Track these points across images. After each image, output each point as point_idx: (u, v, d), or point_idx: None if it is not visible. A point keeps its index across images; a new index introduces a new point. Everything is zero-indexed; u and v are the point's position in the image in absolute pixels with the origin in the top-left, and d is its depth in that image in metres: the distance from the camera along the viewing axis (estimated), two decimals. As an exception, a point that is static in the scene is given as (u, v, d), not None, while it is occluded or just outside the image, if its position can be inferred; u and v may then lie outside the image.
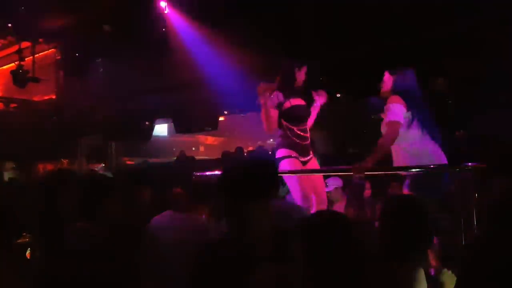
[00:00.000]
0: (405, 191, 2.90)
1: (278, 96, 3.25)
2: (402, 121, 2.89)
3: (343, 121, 8.28)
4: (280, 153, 3.27)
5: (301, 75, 3.38)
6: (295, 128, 3.28)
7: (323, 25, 6.25)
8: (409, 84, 3.03)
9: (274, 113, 3.25)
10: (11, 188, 4.61)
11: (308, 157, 3.36)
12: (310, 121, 3.56)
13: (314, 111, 3.58)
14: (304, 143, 3.32)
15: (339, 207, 3.89)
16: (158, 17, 7.94)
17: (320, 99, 3.53)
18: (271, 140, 13.01)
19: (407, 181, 2.92)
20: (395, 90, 3.01)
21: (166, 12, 7.84)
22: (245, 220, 1.47)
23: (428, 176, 2.86)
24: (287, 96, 3.28)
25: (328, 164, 5.93)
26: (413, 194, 2.76)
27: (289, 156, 3.21)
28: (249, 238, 1.48)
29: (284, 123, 3.31)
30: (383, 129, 3.03)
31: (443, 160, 2.94)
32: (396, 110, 2.89)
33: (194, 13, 7.38)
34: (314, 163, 3.43)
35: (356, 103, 7.68)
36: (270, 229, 1.55)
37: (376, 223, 3.04)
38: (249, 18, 6.65)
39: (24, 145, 7.58)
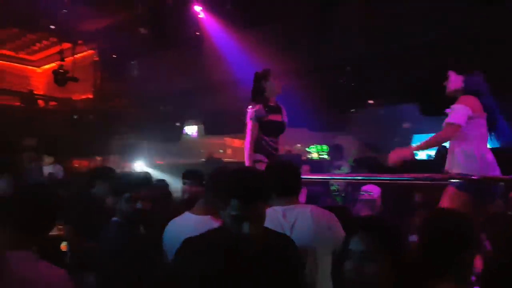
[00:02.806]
0: (461, 193, 2.76)
1: (260, 111, 3.39)
2: (463, 124, 2.76)
3: (374, 128, 8.16)
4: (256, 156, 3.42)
5: (272, 84, 3.48)
6: (267, 139, 3.45)
7: (357, 27, 6.19)
8: (480, 86, 2.94)
9: (256, 127, 3.36)
10: (50, 182, 4.82)
11: None
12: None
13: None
14: (272, 153, 3.48)
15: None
16: (192, 21, 8.11)
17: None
18: (299, 145, 12.97)
19: (461, 182, 2.79)
20: (467, 90, 2.91)
21: (200, 16, 8.00)
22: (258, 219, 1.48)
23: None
24: (267, 111, 3.41)
25: (357, 171, 5.87)
26: (467, 196, 2.68)
27: (261, 161, 3.35)
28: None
29: (259, 134, 3.47)
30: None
31: (496, 170, 2.80)
32: (460, 112, 2.78)
33: (228, 16, 7.49)
34: None
35: (388, 110, 7.56)
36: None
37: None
38: (282, 20, 6.68)
39: (62, 141, 7.89)
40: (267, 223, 1.55)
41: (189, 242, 1.57)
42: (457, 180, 2.79)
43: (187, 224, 2.09)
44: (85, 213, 2.85)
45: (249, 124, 3.40)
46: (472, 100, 2.85)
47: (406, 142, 8.90)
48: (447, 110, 2.90)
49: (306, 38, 6.53)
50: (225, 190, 1.50)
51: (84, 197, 3.09)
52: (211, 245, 1.50)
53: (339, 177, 5.27)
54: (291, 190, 2.03)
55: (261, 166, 3.29)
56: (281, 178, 2.00)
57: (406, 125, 8.70)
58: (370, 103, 7.07)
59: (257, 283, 1.43)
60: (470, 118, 2.79)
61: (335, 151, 6.43)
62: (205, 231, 1.62)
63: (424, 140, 2.89)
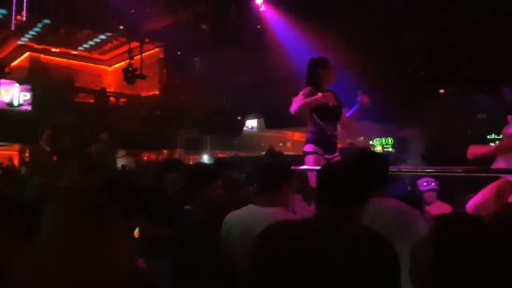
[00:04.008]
0: None
1: (308, 90, 3.32)
2: None
3: (445, 119, 7.70)
4: (308, 147, 3.36)
5: (329, 72, 3.39)
6: (325, 126, 3.35)
7: (423, 15, 5.87)
8: None
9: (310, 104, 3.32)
10: (125, 173, 5.12)
11: (334, 155, 3.39)
12: (347, 118, 3.57)
13: (355, 108, 3.58)
14: (332, 140, 3.38)
15: (432, 209, 3.72)
16: (253, 15, 8.16)
17: (363, 99, 3.53)
18: (362, 138, 12.60)
19: None
20: None
21: (261, 9, 8.03)
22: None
23: None
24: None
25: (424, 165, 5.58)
26: None
27: (315, 153, 3.29)
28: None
29: (317, 119, 3.36)
30: (505, 134, 2.86)
31: None
32: None
33: (290, 8, 7.43)
34: None
35: (461, 100, 7.09)
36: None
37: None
38: (344, 10, 6.50)
39: (132, 135, 8.35)
40: None
41: (277, 226, 1.40)
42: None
43: (250, 216, 2.01)
44: (157, 202, 2.99)
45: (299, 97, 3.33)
46: None
47: (480, 134, 8.32)
48: (509, 117, 2.82)
49: (371, 26, 6.29)
50: (321, 190, 1.44)
51: (155, 187, 3.25)
52: (302, 236, 1.35)
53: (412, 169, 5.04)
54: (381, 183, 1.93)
55: (315, 159, 3.25)
56: (373, 170, 1.87)
57: (480, 116, 8.10)
58: (440, 93, 6.67)
59: (346, 285, 1.34)
60: None
61: (401, 144, 6.17)
62: (299, 220, 1.57)
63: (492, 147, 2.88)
